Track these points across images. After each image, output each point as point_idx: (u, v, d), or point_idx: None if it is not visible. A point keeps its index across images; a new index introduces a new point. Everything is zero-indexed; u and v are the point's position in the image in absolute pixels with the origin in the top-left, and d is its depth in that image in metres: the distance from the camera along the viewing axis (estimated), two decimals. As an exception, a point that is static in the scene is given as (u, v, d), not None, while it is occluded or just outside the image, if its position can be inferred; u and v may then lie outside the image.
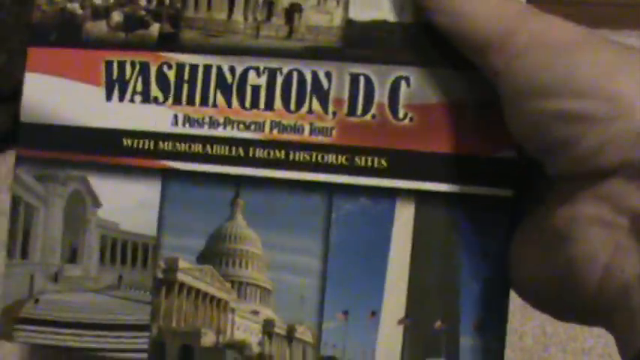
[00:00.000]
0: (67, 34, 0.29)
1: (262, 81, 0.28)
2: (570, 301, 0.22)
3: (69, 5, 0.26)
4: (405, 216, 0.27)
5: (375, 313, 0.28)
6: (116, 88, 0.28)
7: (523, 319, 0.63)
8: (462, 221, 0.27)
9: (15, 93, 0.71)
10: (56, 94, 0.29)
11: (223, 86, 0.28)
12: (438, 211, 0.27)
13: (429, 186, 0.27)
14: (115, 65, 0.28)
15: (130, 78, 0.28)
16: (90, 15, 0.28)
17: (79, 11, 0.28)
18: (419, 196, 0.27)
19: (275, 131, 0.28)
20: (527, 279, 0.25)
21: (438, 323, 0.27)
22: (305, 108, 0.28)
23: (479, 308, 0.27)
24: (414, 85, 0.27)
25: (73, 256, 0.29)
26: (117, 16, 0.28)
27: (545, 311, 0.25)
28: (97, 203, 0.29)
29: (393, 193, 0.27)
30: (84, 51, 0.28)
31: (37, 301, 0.29)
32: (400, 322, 0.27)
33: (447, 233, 0.27)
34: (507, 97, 0.23)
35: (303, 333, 0.28)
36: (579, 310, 0.22)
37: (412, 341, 0.27)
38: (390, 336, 0.27)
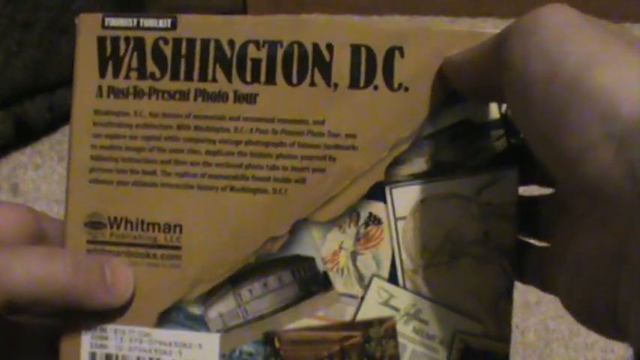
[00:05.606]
0: None
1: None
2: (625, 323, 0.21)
3: None
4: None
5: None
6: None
7: (525, 315, 0.63)
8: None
9: (14, 96, 0.70)
10: None
11: None
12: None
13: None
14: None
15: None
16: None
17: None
18: None
19: None
20: (579, 307, 0.23)
21: None
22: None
23: None
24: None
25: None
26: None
27: (603, 334, 0.23)
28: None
29: None
30: None
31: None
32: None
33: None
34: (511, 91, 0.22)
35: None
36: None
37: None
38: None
